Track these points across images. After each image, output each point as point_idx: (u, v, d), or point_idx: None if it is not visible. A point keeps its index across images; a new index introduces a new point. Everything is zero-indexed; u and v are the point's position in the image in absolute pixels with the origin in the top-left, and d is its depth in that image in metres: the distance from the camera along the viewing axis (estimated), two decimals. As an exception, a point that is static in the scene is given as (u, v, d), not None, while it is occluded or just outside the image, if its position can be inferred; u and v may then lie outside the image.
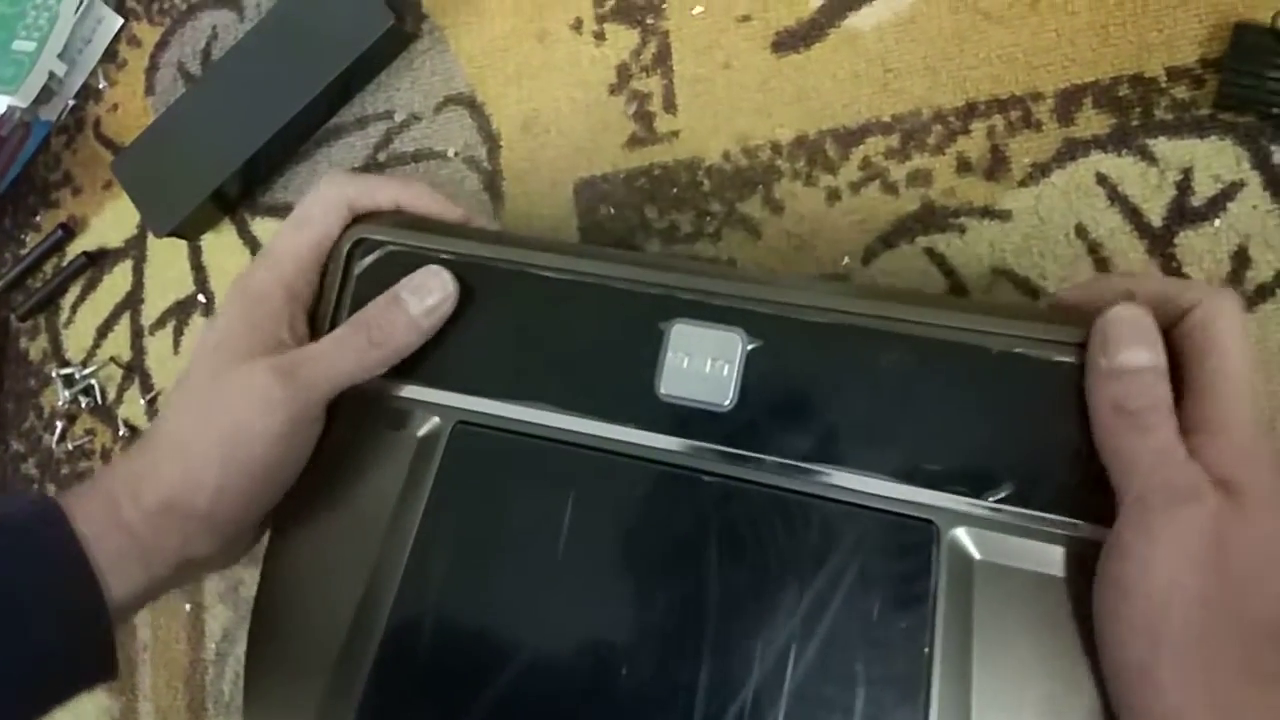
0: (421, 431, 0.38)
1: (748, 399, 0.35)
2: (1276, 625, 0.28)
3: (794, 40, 0.48)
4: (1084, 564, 0.31)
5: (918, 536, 0.32)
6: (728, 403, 0.35)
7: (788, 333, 0.35)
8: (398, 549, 0.36)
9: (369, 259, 0.40)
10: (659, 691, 0.33)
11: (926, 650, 0.31)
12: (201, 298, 0.58)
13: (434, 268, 0.37)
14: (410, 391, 0.38)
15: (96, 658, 0.34)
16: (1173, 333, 0.31)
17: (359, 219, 0.40)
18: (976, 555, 0.32)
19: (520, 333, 0.37)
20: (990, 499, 0.32)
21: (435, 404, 0.38)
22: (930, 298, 0.34)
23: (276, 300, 0.38)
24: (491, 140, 0.53)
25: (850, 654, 0.32)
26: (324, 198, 0.39)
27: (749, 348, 0.35)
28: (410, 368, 0.38)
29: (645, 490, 0.35)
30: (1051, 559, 0.31)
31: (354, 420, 0.38)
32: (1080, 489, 0.32)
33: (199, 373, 0.37)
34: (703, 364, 0.35)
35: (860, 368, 0.34)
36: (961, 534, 0.32)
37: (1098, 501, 0.31)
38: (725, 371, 0.35)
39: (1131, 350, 0.30)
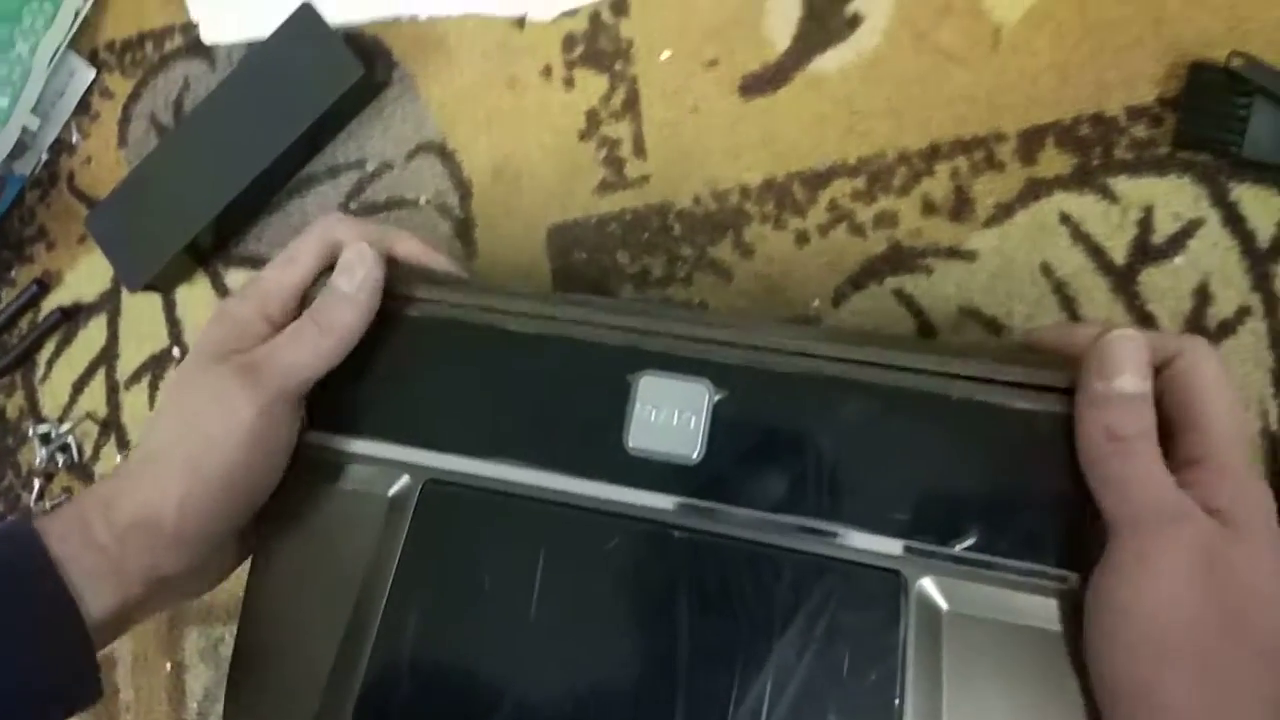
0: (392, 490, 0.38)
1: (715, 450, 0.34)
2: (1272, 647, 0.28)
3: (760, 84, 0.48)
4: (1051, 611, 0.31)
5: (885, 587, 0.32)
6: (695, 455, 0.35)
7: (754, 383, 0.35)
8: (371, 608, 0.36)
9: None
10: None
11: (897, 702, 0.31)
12: (176, 351, 0.57)
13: (355, 245, 0.38)
14: (380, 450, 0.38)
15: (80, 679, 0.33)
16: (1155, 380, 0.31)
17: None
18: (944, 605, 0.32)
19: (489, 389, 0.37)
20: (957, 547, 0.32)
21: (405, 462, 0.37)
22: (892, 343, 0.34)
23: (256, 326, 0.38)
24: (463, 187, 0.53)
25: (821, 706, 0.31)
26: (314, 238, 0.39)
27: (715, 399, 0.35)
28: (378, 425, 0.38)
29: (616, 545, 0.34)
30: (1019, 606, 0.31)
31: (326, 479, 0.38)
32: (1047, 535, 0.32)
33: (172, 387, 0.37)
34: (670, 416, 0.35)
35: (826, 417, 0.34)
36: (929, 583, 0.32)
37: (1065, 548, 0.31)
38: (693, 423, 0.35)
39: (1129, 376, 0.30)
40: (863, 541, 0.33)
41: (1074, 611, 0.31)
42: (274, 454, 0.37)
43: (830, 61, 0.47)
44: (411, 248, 0.41)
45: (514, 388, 0.37)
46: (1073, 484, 0.31)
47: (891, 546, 0.32)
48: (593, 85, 0.51)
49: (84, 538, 0.34)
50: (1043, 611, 0.31)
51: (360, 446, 0.38)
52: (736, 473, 0.34)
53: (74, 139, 0.62)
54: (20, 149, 0.61)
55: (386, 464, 0.38)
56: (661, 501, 0.35)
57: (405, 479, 0.37)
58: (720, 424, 0.35)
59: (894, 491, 0.33)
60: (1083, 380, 0.31)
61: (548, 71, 0.52)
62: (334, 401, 0.39)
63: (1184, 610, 0.28)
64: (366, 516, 0.37)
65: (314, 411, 0.39)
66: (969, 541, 0.32)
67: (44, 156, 0.62)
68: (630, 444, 0.35)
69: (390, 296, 0.39)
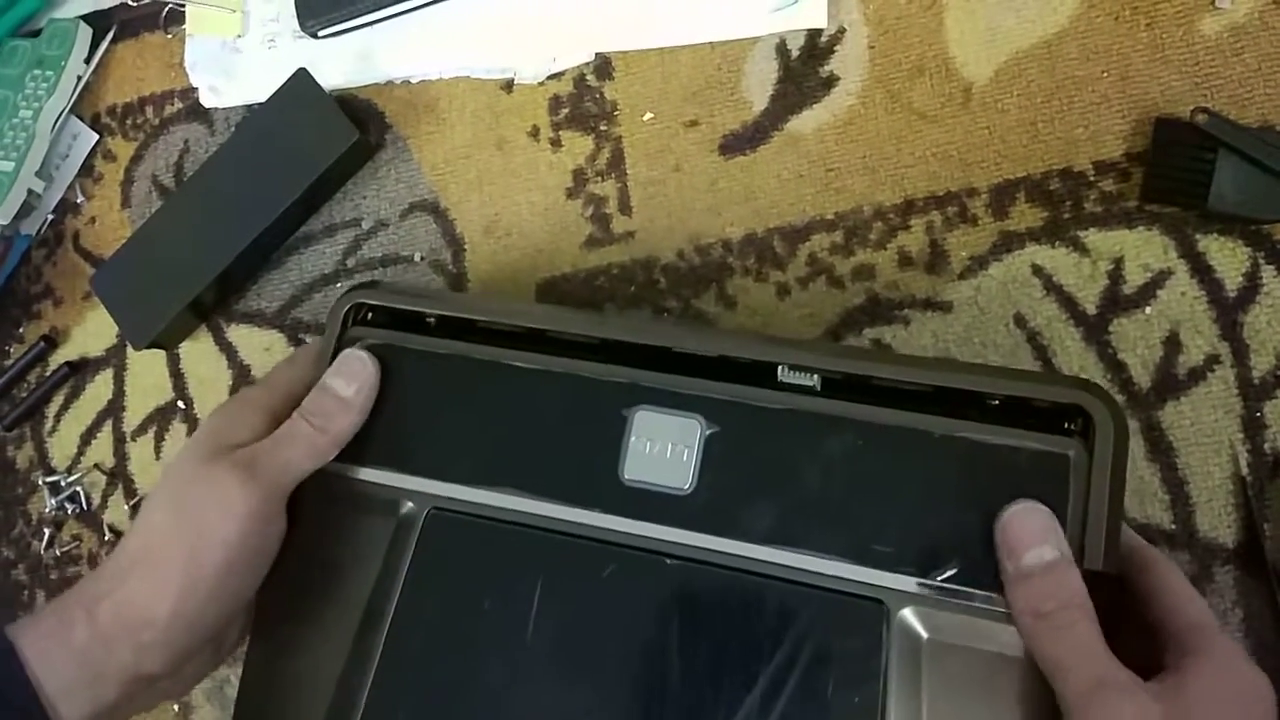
0: (397, 517, 0.37)
1: (706, 483, 0.35)
2: None
3: (740, 143, 0.48)
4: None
5: (868, 616, 0.32)
6: (687, 486, 0.35)
7: (744, 418, 0.35)
8: (376, 630, 0.36)
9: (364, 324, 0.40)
10: None
11: None
12: (180, 404, 0.57)
13: (353, 353, 0.38)
14: (386, 478, 0.38)
15: None
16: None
17: (355, 286, 0.41)
18: (924, 634, 0.32)
19: (492, 422, 0.37)
20: (937, 579, 0.32)
21: (411, 490, 0.37)
22: (881, 358, 0.35)
23: (258, 419, 0.38)
24: (456, 244, 0.52)
25: None
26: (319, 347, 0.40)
27: (707, 433, 0.35)
28: (386, 455, 0.38)
29: (611, 573, 0.35)
30: (997, 636, 0.31)
31: (335, 505, 0.38)
32: None
33: (167, 479, 0.36)
34: (664, 449, 0.35)
35: (813, 452, 0.34)
36: (911, 613, 0.32)
37: None
38: (685, 456, 0.35)
39: (1036, 550, 0.30)
40: (847, 572, 0.33)
41: None
42: (266, 551, 0.36)
43: (807, 121, 0.47)
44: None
45: (515, 420, 0.37)
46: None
47: (874, 577, 0.33)
48: (579, 145, 0.51)
49: (63, 641, 0.33)
50: (1019, 640, 0.31)
51: (368, 475, 0.38)
52: (726, 504, 0.34)
53: (78, 200, 0.61)
54: (27, 210, 0.61)
55: (393, 492, 0.38)
56: (655, 531, 0.35)
57: (410, 506, 0.37)
58: (711, 457, 0.35)
59: (877, 524, 0.33)
60: (999, 562, 0.31)
61: (535, 132, 0.52)
62: None
63: None
64: (373, 542, 0.37)
65: None
66: (949, 573, 0.32)
67: (50, 217, 0.62)
68: (625, 475, 0.35)
69: (412, 308, 0.39)
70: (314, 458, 0.37)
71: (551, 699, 0.34)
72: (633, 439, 0.36)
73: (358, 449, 0.38)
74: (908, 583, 0.32)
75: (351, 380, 0.37)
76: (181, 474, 0.36)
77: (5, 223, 0.59)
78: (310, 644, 0.37)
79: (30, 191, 0.60)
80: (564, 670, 0.34)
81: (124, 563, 0.35)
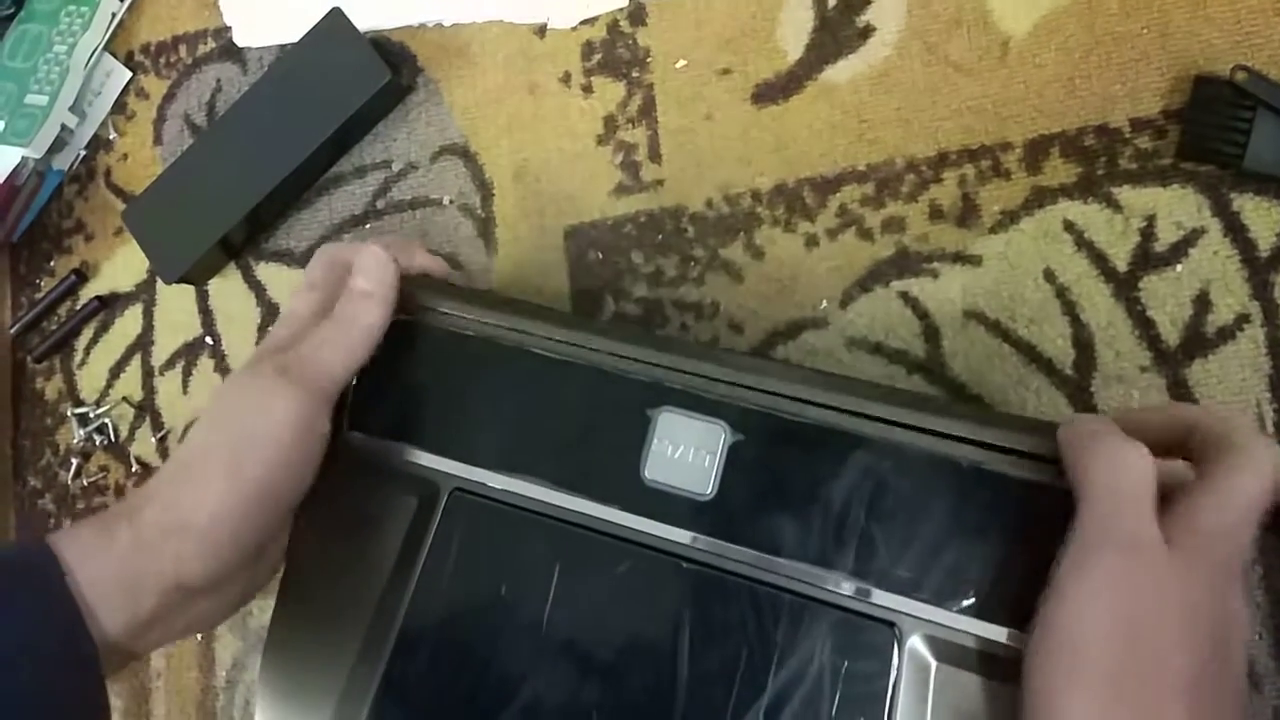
0: (421, 495, 0.37)
1: (727, 490, 0.34)
2: (1182, 681, 0.26)
3: (773, 92, 0.47)
4: None
5: (879, 638, 0.31)
6: (708, 492, 0.34)
7: (770, 429, 0.34)
8: (396, 603, 0.36)
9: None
10: None
11: None
12: (208, 340, 0.56)
13: (368, 249, 0.38)
14: (413, 456, 0.38)
15: (86, 704, 0.32)
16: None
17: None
18: (934, 662, 0.31)
19: (518, 409, 0.37)
20: (953, 609, 0.31)
21: (435, 469, 0.37)
22: (911, 403, 0.33)
23: (302, 321, 0.38)
24: (485, 189, 0.51)
25: None
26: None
27: (731, 441, 0.34)
28: (413, 433, 0.38)
29: (625, 570, 0.34)
30: (1009, 673, 0.30)
31: (361, 476, 0.38)
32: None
33: (216, 393, 0.37)
34: (687, 453, 0.34)
35: (836, 468, 0.33)
36: (922, 640, 0.31)
37: None
38: (707, 462, 0.34)
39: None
40: (862, 593, 0.32)
41: None
42: (309, 457, 0.36)
43: (841, 71, 0.46)
44: (424, 260, 0.41)
45: (541, 410, 0.36)
46: None
47: (889, 601, 0.32)
48: (610, 92, 0.50)
49: (104, 548, 0.32)
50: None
51: (394, 450, 0.38)
52: (746, 514, 0.33)
53: (111, 136, 0.60)
54: (59, 145, 0.60)
55: (417, 469, 0.37)
56: (672, 534, 0.34)
57: (434, 485, 0.37)
58: (734, 465, 0.34)
59: (897, 548, 0.32)
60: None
61: (567, 78, 0.51)
62: (373, 406, 0.39)
63: (1102, 630, 0.27)
64: (395, 517, 0.37)
65: (355, 414, 0.39)
66: (965, 604, 0.31)
67: (82, 153, 0.61)
68: (647, 475, 0.35)
69: (432, 306, 0.39)
70: (349, 354, 0.36)
71: (559, 688, 0.34)
72: (655, 440, 0.35)
73: (390, 423, 0.38)
74: (923, 609, 0.31)
75: (370, 275, 0.37)
76: (226, 386, 0.36)
77: (38, 156, 0.58)
78: (333, 605, 0.37)
79: (63, 127, 0.59)
80: (573, 661, 0.34)
81: (169, 472, 0.34)
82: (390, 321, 0.38)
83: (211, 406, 0.36)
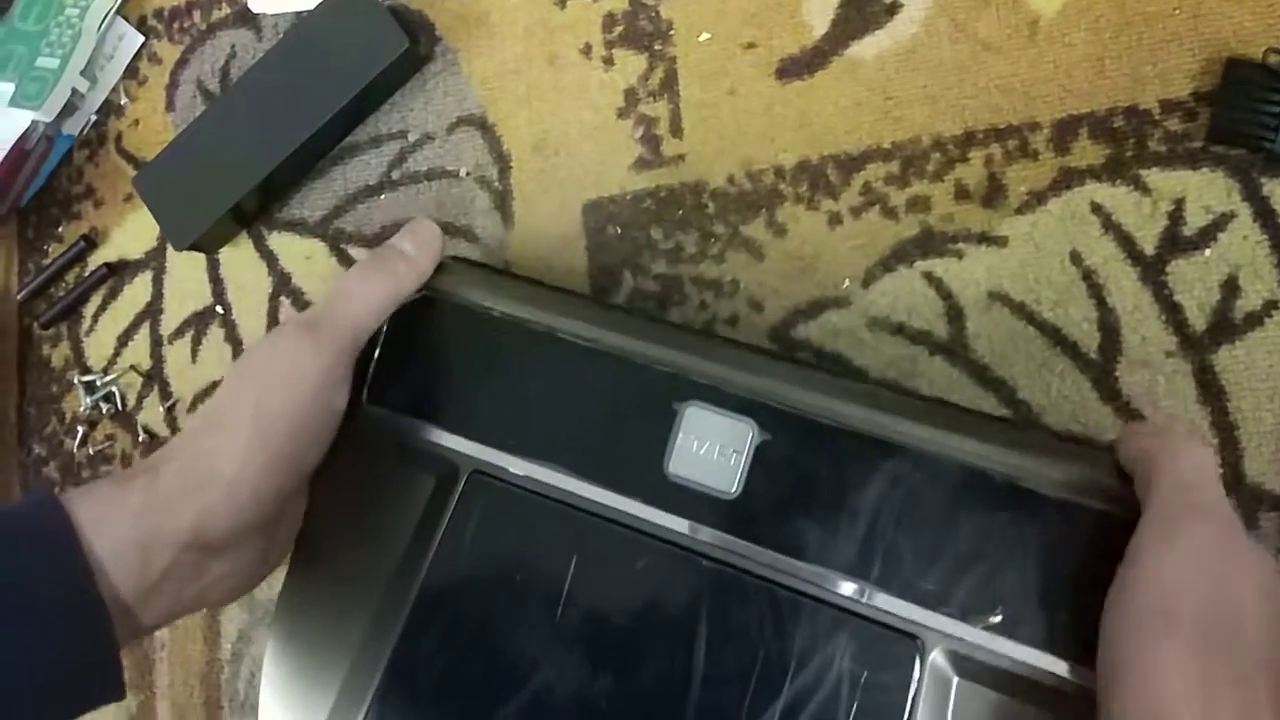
0: (439, 474, 0.36)
1: (753, 490, 0.33)
2: (1262, 654, 0.26)
3: (798, 68, 0.46)
4: (1059, 703, 0.29)
5: (901, 650, 0.31)
6: (733, 491, 0.33)
7: (799, 431, 0.33)
8: (409, 581, 0.35)
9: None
10: None
11: None
12: (219, 309, 0.55)
13: (423, 220, 0.39)
14: (433, 434, 0.37)
15: (97, 670, 0.31)
16: None
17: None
18: (956, 677, 0.31)
19: (542, 394, 0.36)
20: (979, 625, 0.30)
21: (455, 450, 0.36)
22: (946, 415, 0.33)
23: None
24: (502, 160, 0.50)
25: None
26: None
27: (759, 441, 0.33)
28: (434, 411, 0.37)
29: (645, 564, 0.33)
30: (1031, 692, 0.30)
31: (380, 450, 0.37)
32: (1068, 630, 0.30)
33: (247, 348, 0.37)
34: (713, 450, 0.34)
35: (866, 475, 0.32)
36: (944, 654, 0.31)
37: (1082, 644, 0.29)
38: (734, 460, 0.33)
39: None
40: (885, 603, 0.31)
41: (1076, 710, 0.29)
42: (330, 415, 0.35)
43: (868, 48, 0.45)
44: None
45: (565, 396, 0.36)
46: (1104, 584, 0.29)
47: (913, 613, 0.31)
48: (632, 64, 0.49)
49: (121, 505, 0.31)
50: (1050, 699, 0.30)
51: (415, 427, 0.37)
52: (771, 515, 0.33)
53: (122, 102, 0.59)
54: (70, 109, 0.59)
55: (436, 448, 0.37)
56: (694, 530, 0.33)
57: (453, 465, 0.36)
58: (761, 465, 0.33)
59: (923, 560, 0.31)
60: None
61: (588, 50, 0.50)
62: (394, 381, 0.38)
63: (1194, 587, 0.27)
64: (412, 493, 0.36)
65: (374, 388, 0.38)
66: (990, 621, 0.30)
67: (93, 118, 0.59)
68: (670, 469, 0.34)
69: (455, 291, 0.38)
70: (372, 310, 0.36)
71: (570, 677, 0.33)
72: (681, 435, 0.34)
73: (411, 400, 0.37)
74: (947, 623, 0.31)
75: (418, 240, 0.37)
76: (256, 343, 0.36)
77: (48, 120, 0.57)
78: (345, 581, 0.37)
79: (74, 91, 0.58)
80: (587, 651, 0.33)
81: (193, 427, 0.34)
82: (418, 296, 0.37)
83: (240, 361, 0.36)
